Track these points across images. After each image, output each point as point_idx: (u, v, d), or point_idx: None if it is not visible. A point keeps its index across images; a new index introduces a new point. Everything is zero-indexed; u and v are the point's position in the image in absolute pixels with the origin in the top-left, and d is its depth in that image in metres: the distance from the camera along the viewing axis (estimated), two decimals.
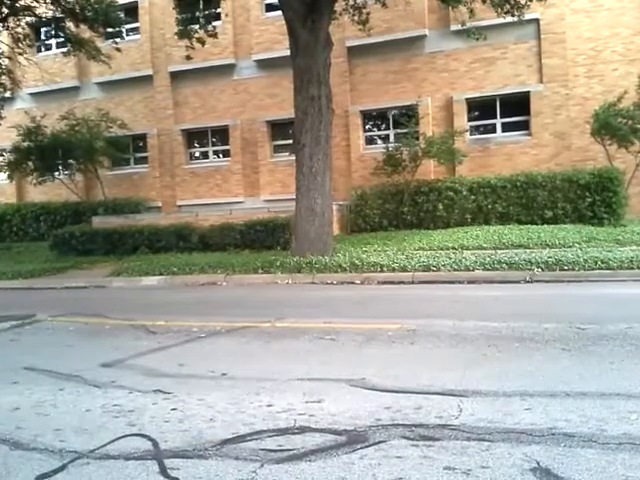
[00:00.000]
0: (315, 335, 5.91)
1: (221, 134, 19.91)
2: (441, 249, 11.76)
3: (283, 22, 12.47)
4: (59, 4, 16.44)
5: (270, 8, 18.42)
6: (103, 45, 17.91)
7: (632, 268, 8.85)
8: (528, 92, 15.86)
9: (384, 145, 16.56)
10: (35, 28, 20.53)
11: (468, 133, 16.24)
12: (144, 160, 20.83)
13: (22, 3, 16.88)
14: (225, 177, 19.45)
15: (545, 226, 13.35)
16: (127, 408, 3.93)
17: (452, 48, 16.62)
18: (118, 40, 17.33)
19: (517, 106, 16.14)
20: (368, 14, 14.30)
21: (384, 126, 18.27)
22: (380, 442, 3.14)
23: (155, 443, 3.29)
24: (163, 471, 2.93)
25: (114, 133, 18.82)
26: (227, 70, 19.27)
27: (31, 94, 21.71)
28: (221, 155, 20.21)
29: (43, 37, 21.47)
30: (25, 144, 18.59)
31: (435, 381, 4.15)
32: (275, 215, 14.26)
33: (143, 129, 20.37)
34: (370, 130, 18.47)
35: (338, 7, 13.53)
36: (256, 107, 18.99)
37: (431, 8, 16.43)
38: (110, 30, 17.53)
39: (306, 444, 3.16)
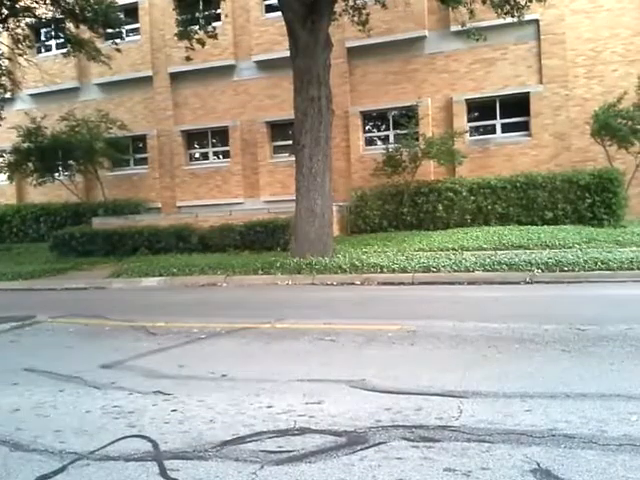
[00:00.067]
0: (315, 336, 5.91)
1: (221, 135, 19.92)
2: (441, 250, 11.76)
3: (283, 23, 12.49)
4: (59, 5, 16.44)
5: (270, 9, 18.43)
6: (103, 46, 17.93)
7: (632, 269, 8.85)
8: (528, 93, 15.88)
9: (384, 146, 16.56)
10: (35, 29, 20.58)
11: (468, 134, 16.25)
12: (144, 161, 20.83)
13: (22, 4, 16.88)
14: (225, 178, 19.46)
15: (545, 227, 13.35)
16: (127, 409, 3.93)
17: (452, 49, 16.64)
18: (118, 41, 17.35)
19: (517, 107, 16.15)
20: (368, 15, 14.31)
21: (384, 127, 18.27)
22: (380, 443, 3.14)
23: (155, 444, 3.29)
24: (163, 472, 2.93)
25: (114, 134, 18.83)
26: (227, 71, 19.28)
27: (31, 95, 21.72)
28: (221, 156, 20.21)
29: (43, 38, 21.54)
30: (25, 145, 18.59)
31: (435, 382, 4.15)
32: (275, 216, 14.25)
33: (143, 130, 20.38)
34: (370, 131, 18.48)
35: (338, 8, 13.54)
36: (256, 108, 19.00)
37: (431, 9, 16.44)
38: (110, 31, 17.59)
39: (306, 445, 3.16)
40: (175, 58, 18.72)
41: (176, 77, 19.83)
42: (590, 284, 8.54)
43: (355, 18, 14.27)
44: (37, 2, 16.67)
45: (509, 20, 13.08)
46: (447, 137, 15.19)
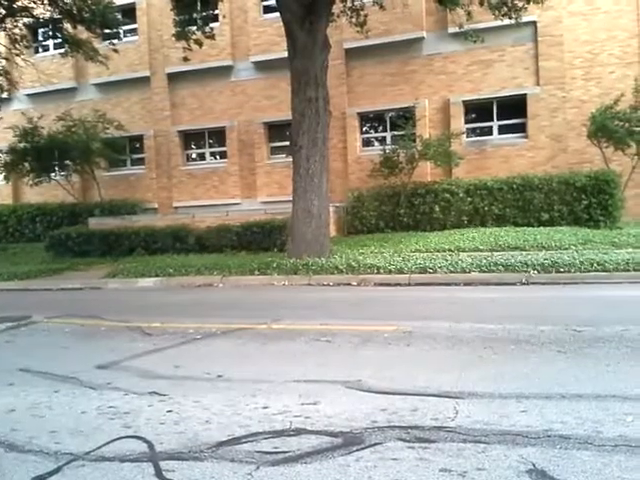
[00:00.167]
0: (311, 337, 5.91)
1: (218, 135, 19.91)
2: (437, 251, 11.77)
3: (281, 24, 12.50)
4: (56, 5, 16.41)
5: (268, 10, 18.44)
6: (100, 46, 17.86)
7: (628, 270, 8.88)
8: (525, 95, 15.92)
9: (381, 147, 16.57)
10: (32, 29, 20.51)
11: (465, 135, 16.29)
12: (141, 161, 20.80)
13: (20, 4, 16.84)
14: (222, 179, 19.45)
15: (541, 228, 13.37)
16: (123, 410, 3.93)
17: (449, 50, 16.67)
18: (115, 41, 17.31)
19: (514, 108, 16.18)
20: (366, 16, 14.33)
21: (381, 128, 18.29)
22: (376, 444, 3.14)
23: (151, 445, 3.29)
24: (158, 473, 2.93)
25: (111, 134, 18.79)
26: (224, 72, 19.27)
27: (28, 95, 21.66)
28: (218, 157, 20.19)
29: (40, 38, 21.45)
30: (21, 145, 18.53)
31: (431, 383, 4.15)
32: (272, 217, 14.25)
33: (140, 130, 20.35)
34: (367, 132, 18.49)
35: (336, 9, 13.55)
36: (253, 109, 19.00)
37: (429, 10, 16.45)
38: (107, 31, 17.52)
39: (302, 446, 3.16)
40: (173, 58, 18.70)
41: (173, 77, 19.81)
42: (586, 285, 8.56)
43: (353, 19, 14.28)
44: (35, 2, 16.62)
45: (507, 22, 13.10)
46: (444, 138, 15.20)
